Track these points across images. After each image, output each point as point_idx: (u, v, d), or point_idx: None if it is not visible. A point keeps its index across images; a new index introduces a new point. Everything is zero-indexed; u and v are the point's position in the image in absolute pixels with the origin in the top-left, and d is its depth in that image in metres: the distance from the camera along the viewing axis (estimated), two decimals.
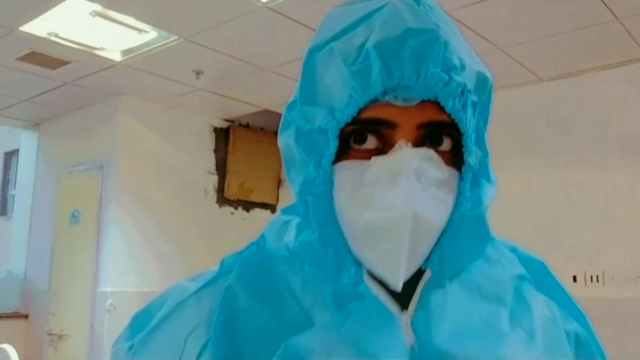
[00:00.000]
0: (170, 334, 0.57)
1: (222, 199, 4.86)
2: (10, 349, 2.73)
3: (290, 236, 0.59)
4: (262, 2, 2.82)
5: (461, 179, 0.55)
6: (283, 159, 0.59)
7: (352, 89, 0.50)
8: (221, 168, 4.87)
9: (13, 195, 6.32)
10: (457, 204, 0.55)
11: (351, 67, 0.50)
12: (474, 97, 0.56)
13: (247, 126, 5.06)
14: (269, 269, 0.58)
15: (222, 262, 0.65)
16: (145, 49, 3.42)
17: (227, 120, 4.94)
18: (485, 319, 0.54)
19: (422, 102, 0.51)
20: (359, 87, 0.50)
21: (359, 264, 0.53)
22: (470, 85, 0.55)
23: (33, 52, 3.44)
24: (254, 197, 5.07)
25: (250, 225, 5.06)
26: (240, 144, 4.94)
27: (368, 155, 0.51)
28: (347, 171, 0.52)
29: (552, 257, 3.09)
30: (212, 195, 4.79)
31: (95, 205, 4.20)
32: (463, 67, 0.55)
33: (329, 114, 0.51)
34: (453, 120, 0.52)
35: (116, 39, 3.30)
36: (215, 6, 2.88)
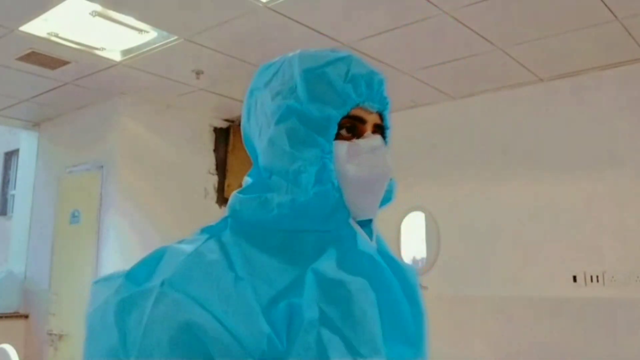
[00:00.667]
0: (208, 275, 0.69)
1: (222, 199, 4.86)
2: (10, 349, 2.73)
3: (265, 207, 0.78)
4: (262, 2, 2.82)
5: None
6: (287, 137, 0.77)
7: (348, 95, 0.79)
8: (221, 168, 4.87)
9: (13, 195, 6.33)
10: None
11: (345, 84, 0.79)
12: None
13: None
14: (252, 233, 0.78)
15: (202, 230, 0.86)
16: (145, 49, 3.42)
17: (227, 120, 4.94)
18: None
19: (377, 111, 0.83)
20: (353, 95, 0.79)
21: (347, 210, 0.78)
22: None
23: (33, 52, 3.44)
24: None
25: None
26: (240, 144, 4.94)
27: (349, 138, 0.79)
28: (343, 146, 0.78)
29: (552, 257, 3.11)
30: (212, 195, 4.79)
31: (95, 205, 4.20)
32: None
33: (334, 109, 0.78)
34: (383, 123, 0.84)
35: (116, 39, 3.30)
36: (215, 6, 2.88)
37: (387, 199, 0.85)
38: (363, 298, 0.72)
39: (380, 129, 0.83)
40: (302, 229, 0.77)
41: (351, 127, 0.80)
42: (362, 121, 0.80)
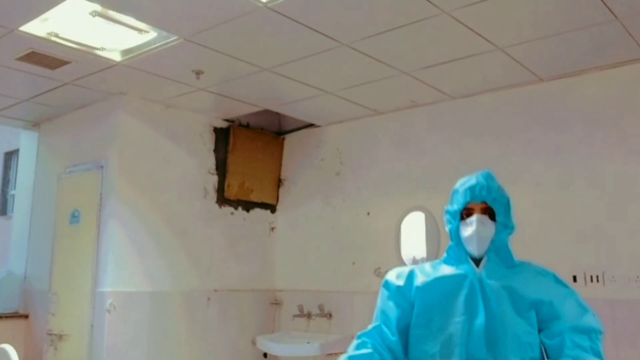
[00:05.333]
0: (438, 287, 1.81)
1: (222, 199, 4.86)
2: (10, 349, 2.73)
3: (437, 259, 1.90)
4: (262, 2, 2.82)
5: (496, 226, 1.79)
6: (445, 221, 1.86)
7: (464, 198, 1.80)
8: (221, 168, 4.87)
9: (13, 195, 6.33)
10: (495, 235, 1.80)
11: (463, 194, 1.81)
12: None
13: (247, 126, 5.06)
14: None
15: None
16: (145, 49, 3.43)
17: (227, 120, 4.94)
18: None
19: (482, 202, 1.79)
20: (466, 198, 1.80)
21: (466, 253, 1.80)
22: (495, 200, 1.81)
23: (33, 52, 3.44)
24: (254, 197, 5.07)
25: (250, 225, 5.06)
26: (240, 144, 4.94)
27: (464, 219, 1.81)
28: (462, 223, 1.80)
29: (552, 257, 3.11)
30: (212, 195, 4.80)
31: (95, 205, 4.20)
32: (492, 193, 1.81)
33: (458, 205, 1.81)
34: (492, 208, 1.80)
35: (116, 39, 3.30)
36: (215, 6, 2.88)
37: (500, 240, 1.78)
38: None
39: (489, 209, 1.76)
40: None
41: (467, 214, 1.78)
42: (471, 210, 1.77)
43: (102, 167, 4.24)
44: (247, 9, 2.88)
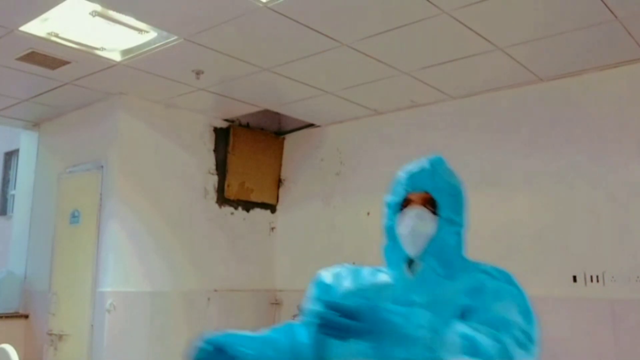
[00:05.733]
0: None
1: (222, 199, 4.86)
2: (10, 349, 2.73)
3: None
4: (262, 2, 2.82)
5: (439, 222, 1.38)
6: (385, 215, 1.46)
7: (404, 187, 1.40)
8: (221, 168, 4.87)
9: (13, 195, 6.33)
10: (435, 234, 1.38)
11: (403, 183, 1.40)
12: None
13: (247, 126, 5.06)
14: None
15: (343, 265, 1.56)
16: (145, 49, 3.42)
17: (227, 120, 4.94)
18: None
19: (424, 191, 1.38)
20: (405, 188, 1.40)
21: (404, 255, 1.38)
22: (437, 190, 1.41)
23: (33, 52, 3.44)
24: (254, 197, 5.07)
25: (250, 225, 5.06)
26: (240, 144, 4.94)
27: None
28: (399, 218, 1.38)
29: (552, 257, 3.10)
30: (212, 195, 4.80)
31: (95, 205, 4.20)
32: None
33: (398, 196, 1.40)
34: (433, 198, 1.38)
35: (116, 39, 3.30)
36: (215, 6, 2.88)
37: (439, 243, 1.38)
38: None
39: (432, 201, 1.37)
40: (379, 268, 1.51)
41: (406, 206, 1.38)
42: (410, 201, 1.38)
43: (102, 167, 4.24)
44: (247, 9, 2.88)
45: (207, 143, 4.81)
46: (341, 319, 1.01)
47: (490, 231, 3.91)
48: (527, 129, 3.88)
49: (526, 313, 1.26)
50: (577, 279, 3.50)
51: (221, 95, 4.29)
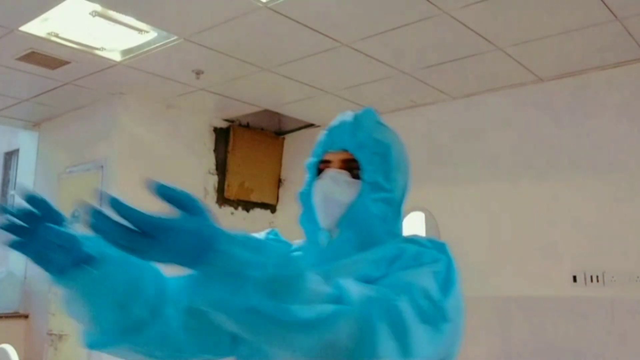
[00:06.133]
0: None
1: (222, 199, 4.86)
2: (10, 349, 2.73)
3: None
4: (262, 2, 2.82)
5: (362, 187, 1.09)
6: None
7: (322, 147, 1.13)
8: (221, 168, 4.87)
9: (13, 195, 6.32)
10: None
11: (322, 142, 1.14)
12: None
13: (247, 126, 5.06)
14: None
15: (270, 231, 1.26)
16: (145, 49, 3.42)
17: (227, 120, 4.94)
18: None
19: (343, 149, 1.10)
20: (323, 147, 1.13)
21: (318, 226, 1.10)
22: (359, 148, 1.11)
23: (33, 52, 3.44)
24: (254, 197, 5.07)
25: (251, 225, 5.06)
26: (240, 144, 4.94)
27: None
28: (316, 182, 1.11)
29: (552, 257, 3.10)
30: (212, 195, 4.79)
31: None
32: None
33: (315, 158, 1.13)
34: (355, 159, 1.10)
35: (116, 39, 3.30)
36: (215, 6, 2.88)
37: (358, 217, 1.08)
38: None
39: (353, 163, 1.09)
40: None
41: (324, 167, 1.11)
42: (328, 162, 1.11)
43: (102, 167, 4.24)
44: (247, 9, 2.88)
45: (207, 143, 4.81)
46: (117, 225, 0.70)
47: (490, 231, 3.91)
48: (526, 129, 3.88)
49: (446, 283, 0.98)
50: (577, 279, 3.50)
51: (221, 95, 4.29)
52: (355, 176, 1.08)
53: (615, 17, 2.91)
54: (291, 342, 0.73)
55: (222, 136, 4.90)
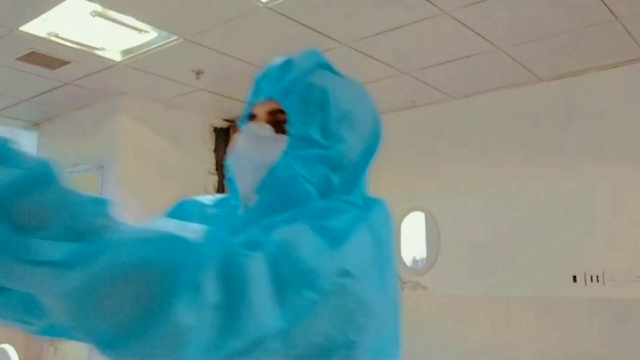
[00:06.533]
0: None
1: None
2: (10, 349, 2.74)
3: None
4: (262, 2, 2.82)
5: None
6: None
7: (250, 97, 0.95)
8: (221, 168, 4.87)
9: None
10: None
11: (250, 92, 0.97)
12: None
13: None
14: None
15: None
16: (145, 49, 3.42)
17: (227, 120, 4.94)
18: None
19: (270, 99, 0.90)
20: (251, 98, 0.95)
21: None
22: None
23: (33, 52, 3.44)
24: None
25: None
26: None
27: None
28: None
29: (552, 257, 3.11)
30: None
31: None
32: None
33: (245, 112, 0.95)
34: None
35: (116, 39, 3.30)
36: (215, 6, 2.88)
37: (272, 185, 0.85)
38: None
39: (281, 114, 0.87)
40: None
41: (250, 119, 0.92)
42: (254, 116, 0.91)
43: (102, 167, 4.24)
44: (247, 9, 2.88)
45: (207, 143, 4.81)
46: None
47: (490, 231, 3.91)
48: (526, 129, 3.88)
49: (339, 242, 0.71)
50: (577, 279, 3.50)
51: (221, 95, 4.29)
52: (283, 131, 0.86)
53: (615, 17, 2.91)
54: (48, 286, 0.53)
55: (222, 136, 4.90)
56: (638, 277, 3.31)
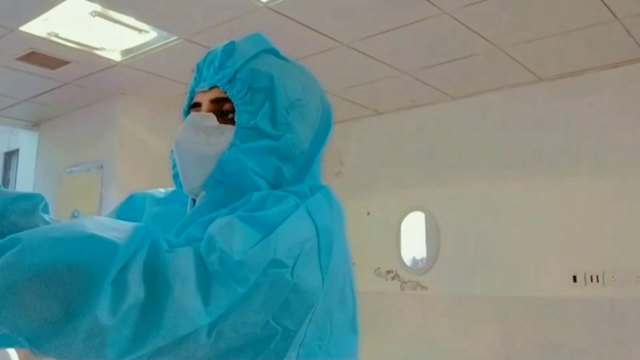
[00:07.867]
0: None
1: None
2: (10, 349, 2.73)
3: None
4: (262, 2, 2.82)
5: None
6: None
7: (191, 85, 0.90)
8: None
9: None
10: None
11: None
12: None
13: None
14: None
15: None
16: (145, 49, 3.42)
17: None
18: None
19: (213, 87, 0.86)
20: (192, 84, 0.91)
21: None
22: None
23: (33, 52, 3.44)
24: None
25: None
26: None
27: None
28: None
29: (552, 257, 3.11)
30: None
31: (95, 205, 4.20)
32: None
33: (188, 101, 0.90)
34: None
35: (116, 39, 3.30)
36: (215, 6, 2.88)
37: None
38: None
39: (226, 102, 0.84)
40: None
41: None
42: (198, 105, 0.87)
43: (102, 167, 4.24)
44: (247, 9, 2.88)
45: None
46: None
47: (490, 231, 3.91)
48: (526, 128, 3.88)
49: (268, 231, 0.69)
50: (577, 279, 3.50)
51: None
52: (229, 121, 0.82)
53: (615, 17, 2.91)
54: None
55: None
56: (638, 277, 3.31)
